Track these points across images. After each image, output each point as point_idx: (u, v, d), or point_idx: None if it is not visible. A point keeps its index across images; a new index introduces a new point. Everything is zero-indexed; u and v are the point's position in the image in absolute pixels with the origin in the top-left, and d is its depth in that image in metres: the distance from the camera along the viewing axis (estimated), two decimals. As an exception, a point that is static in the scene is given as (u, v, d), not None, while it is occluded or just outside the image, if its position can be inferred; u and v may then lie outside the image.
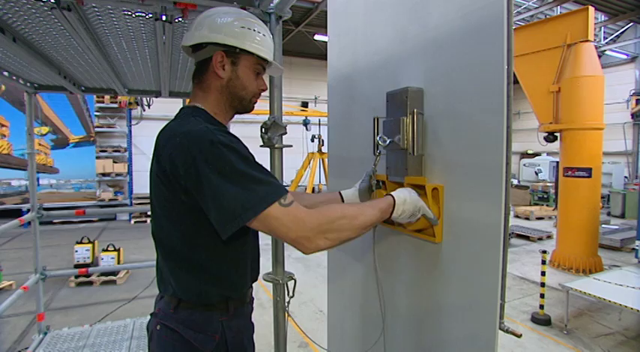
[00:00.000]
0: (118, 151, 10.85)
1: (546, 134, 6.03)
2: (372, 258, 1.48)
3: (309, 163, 11.40)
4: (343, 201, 1.45)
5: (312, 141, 11.33)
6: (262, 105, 1.76)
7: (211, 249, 1.07)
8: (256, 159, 1.02)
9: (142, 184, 10.92)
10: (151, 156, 1.14)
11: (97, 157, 10.55)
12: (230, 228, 0.94)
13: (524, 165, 14.37)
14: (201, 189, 0.95)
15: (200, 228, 1.03)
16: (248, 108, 1.24)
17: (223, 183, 0.93)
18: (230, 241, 1.02)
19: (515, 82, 5.14)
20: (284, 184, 1.80)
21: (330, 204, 1.31)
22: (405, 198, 1.16)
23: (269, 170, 1.05)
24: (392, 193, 1.18)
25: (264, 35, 1.17)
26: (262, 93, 1.25)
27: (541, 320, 4.05)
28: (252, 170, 0.97)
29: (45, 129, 9.89)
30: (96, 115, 10.62)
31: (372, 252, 1.47)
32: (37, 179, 3.70)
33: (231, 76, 1.14)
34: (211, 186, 0.93)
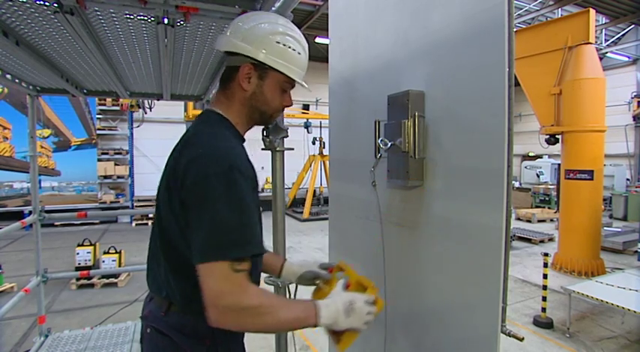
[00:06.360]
0: (120, 154, 10.87)
1: (548, 136, 6.02)
2: (382, 259, 1.48)
3: (311, 166, 11.41)
4: (282, 270, 1.38)
5: (314, 143, 11.34)
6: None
7: None
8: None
9: (143, 187, 10.93)
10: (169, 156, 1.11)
11: (99, 160, 10.59)
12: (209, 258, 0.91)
13: (525, 167, 14.34)
14: (200, 207, 0.93)
15: None
16: (267, 123, 1.22)
17: (227, 210, 0.91)
18: None
19: (517, 84, 5.13)
20: (285, 187, 1.80)
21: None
22: (335, 315, 1.01)
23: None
24: (320, 303, 1.02)
25: (299, 53, 1.12)
26: None
27: (543, 323, 4.03)
28: (246, 212, 0.94)
29: (47, 132, 9.93)
30: (98, 118, 10.66)
31: (381, 254, 1.47)
32: (39, 181, 3.71)
33: (256, 91, 1.11)
34: (214, 209, 0.91)
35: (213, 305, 0.91)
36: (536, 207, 12.01)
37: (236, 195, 0.93)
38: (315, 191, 11.52)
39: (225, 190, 0.92)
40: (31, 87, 2.76)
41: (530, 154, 16.13)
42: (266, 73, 1.10)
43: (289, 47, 1.10)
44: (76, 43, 1.78)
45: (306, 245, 7.82)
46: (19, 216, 8.68)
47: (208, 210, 0.92)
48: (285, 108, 1.25)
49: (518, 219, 10.58)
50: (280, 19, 1.15)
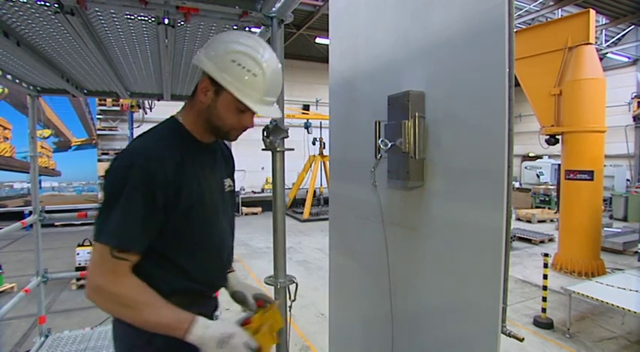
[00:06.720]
0: (120, 154, 10.88)
1: (548, 137, 6.03)
2: (386, 259, 1.48)
3: (311, 166, 11.42)
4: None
5: (314, 144, 11.35)
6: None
7: (153, 251, 1.09)
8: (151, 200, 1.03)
9: (143, 187, 10.91)
10: None
11: (99, 160, 10.58)
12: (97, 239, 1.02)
13: (525, 167, 14.35)
14: (103, 194, 1.06)
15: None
16: (226, 138, 1.22)
17: (116, 202, 1.01)
18: (171, 250, 1.11)
19: (517, 84, 5.14)
20: (285, 187, 1.81)
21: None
22: (208, 339, 1.00)
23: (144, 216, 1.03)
24: (199, 322, 1.02)
25: (254, 75, 1.07)
26: None
27: (543, 324, 4.03)
28: (132, 207, 1.01)
29: (47, 132, 9.92)
30: (98, 118, 10.66)
31: (380, 254, 1.47)
32: (39, 182, 3.72)
33: (211, 105, 1.12)
34: (113, 197, 1.01)
35: (87, 279, 1.02)
36: (537, 207, 12.02)
37: (127, 190, 1.00)
38: (315, 191, 11.52)
39: (119, 184, 1.01)
40: (31, 87, 2.76)
41: (531, 155, 16.14)
42: (221, 90, 1.09)
43: (244, 67, 1.06)
44: (77, 43, 1.78)
45: (306, 245, 7.81)
46: (19, 216, 8.67)
47: (105, 197, 1.05)
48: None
49: (519, 219, 10.59)
50: (250, 39, 1.11)
